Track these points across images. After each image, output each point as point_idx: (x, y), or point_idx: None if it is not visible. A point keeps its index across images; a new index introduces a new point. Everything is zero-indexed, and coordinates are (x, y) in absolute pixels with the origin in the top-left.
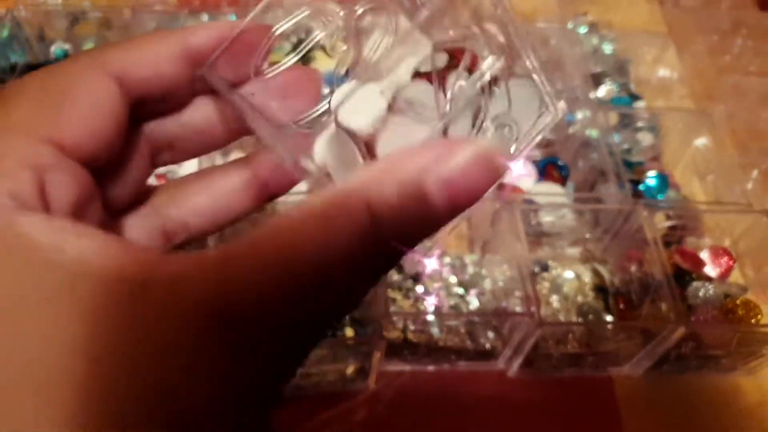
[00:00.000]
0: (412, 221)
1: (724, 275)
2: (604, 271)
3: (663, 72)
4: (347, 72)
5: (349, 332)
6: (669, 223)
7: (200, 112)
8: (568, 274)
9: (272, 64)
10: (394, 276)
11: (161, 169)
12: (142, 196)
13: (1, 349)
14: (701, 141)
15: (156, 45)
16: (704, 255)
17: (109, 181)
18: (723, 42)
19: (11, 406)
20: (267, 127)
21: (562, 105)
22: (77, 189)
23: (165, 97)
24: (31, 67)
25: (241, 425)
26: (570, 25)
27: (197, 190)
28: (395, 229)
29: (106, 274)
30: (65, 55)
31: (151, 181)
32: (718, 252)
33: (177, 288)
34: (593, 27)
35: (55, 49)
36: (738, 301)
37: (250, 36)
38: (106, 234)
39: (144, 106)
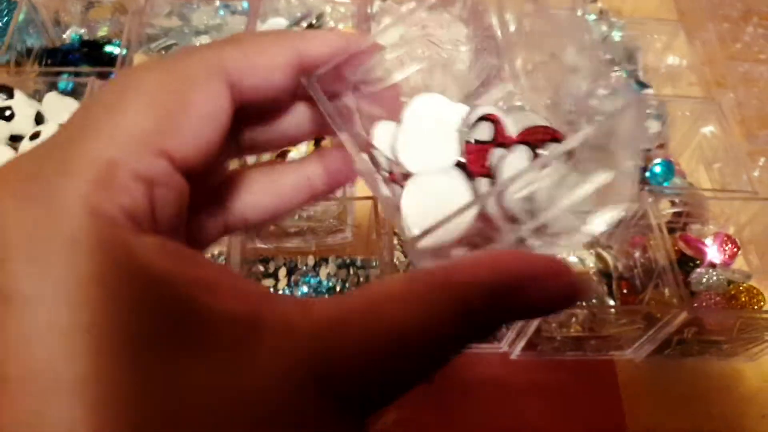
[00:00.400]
0: (497, 317)
1: (728, 262)
2: (608, 256)
3: (672, 59)
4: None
5: None
6: (674, 210)
7: (293, 121)
8: (572, 259)
9: None
10: (400, 258)
11: None
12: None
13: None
14: (708, 129)
15: (272, 50)
16: (708, 242)
17: (196, 184)
18: (734, 29)
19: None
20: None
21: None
22: (180, 202)
23: (267, 105)
24: (47, 51)
25: None
26: (579, 13)
27: (263, 187)
28: (482, 320)
29: (217, 309)
30: (80, 40)
31: None
32: (722, 239)
33: (287, 337)
34: (603, 14)
35: (71, 33)
36: (741, 288)
37: (356, 52)
38: (217, 266)
39: (243, 111)
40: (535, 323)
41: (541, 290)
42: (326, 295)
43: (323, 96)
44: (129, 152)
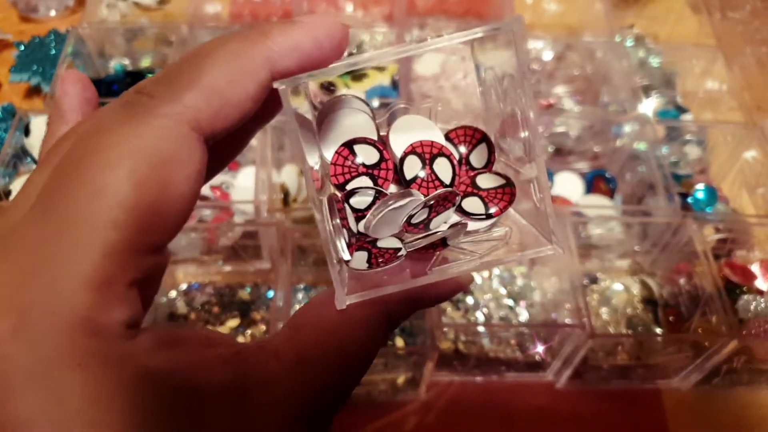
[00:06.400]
0: (407, 315)
1: None
2: (652, 283)
3: (711, 84)
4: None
5: (399, 342)
6: (718, 236)
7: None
8: (617, 287)
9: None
10: None
11: (215, 180)
12: None
13: None
14: (751, 154)
15: (241, 81)
16: (755, 268)
17: None
18: None
19: None
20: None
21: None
22: (164, 265)
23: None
24: (92, 82)
25: None
26: (617, 38)
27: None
28: (398, 322)
29: (209, 384)
30: (124, 71)
31: (206, 191)
32: None
33: (271, 391)
34: (640, 40)
35: (115, 64)
36: None
37: (329, 54)
38: (199, 338)
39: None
40: (582, 352)
41: (437, 289)
42: None
43: (290, 105)
44: (121, 263)
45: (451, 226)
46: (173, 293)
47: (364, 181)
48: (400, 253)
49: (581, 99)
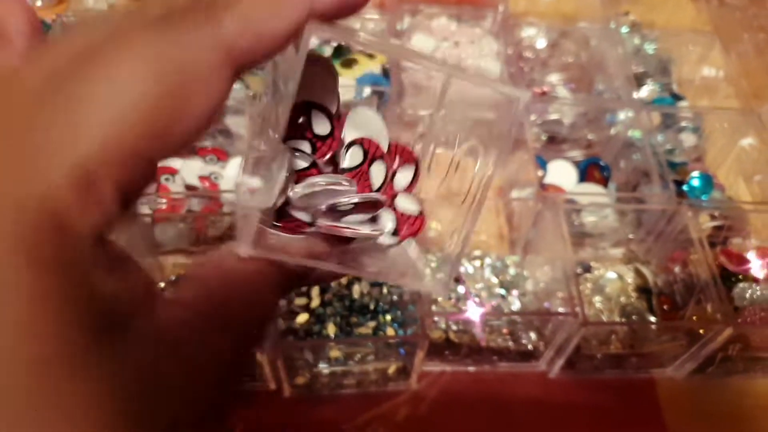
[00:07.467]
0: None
1: None
2: (647, 271)
3: (708, 71)
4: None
5: (390, 332)
6: (714, 224)
7: None
8: (611, 275)
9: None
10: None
11: (205, 171)
12: None
13: None
14: (747, 141)
15: (282, 11)
16: (751, 256)
17: None
18: None
19: None
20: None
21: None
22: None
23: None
24: None
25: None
26: (612, 25)
27: None
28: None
29: (141, 328)
30: None
31: (194, 182)
32: (765, 253)
33: (187, 343)
34: (635, 27)
35: None
36: None
37: None
38: (144, 287)
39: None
40: (575, 340)
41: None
42: (360, 314)
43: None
44: (112, 160)
45: (364, 239)
46: (161, 285)
47: (304, 145)
48: (307, 230)
49: (575, 87)
